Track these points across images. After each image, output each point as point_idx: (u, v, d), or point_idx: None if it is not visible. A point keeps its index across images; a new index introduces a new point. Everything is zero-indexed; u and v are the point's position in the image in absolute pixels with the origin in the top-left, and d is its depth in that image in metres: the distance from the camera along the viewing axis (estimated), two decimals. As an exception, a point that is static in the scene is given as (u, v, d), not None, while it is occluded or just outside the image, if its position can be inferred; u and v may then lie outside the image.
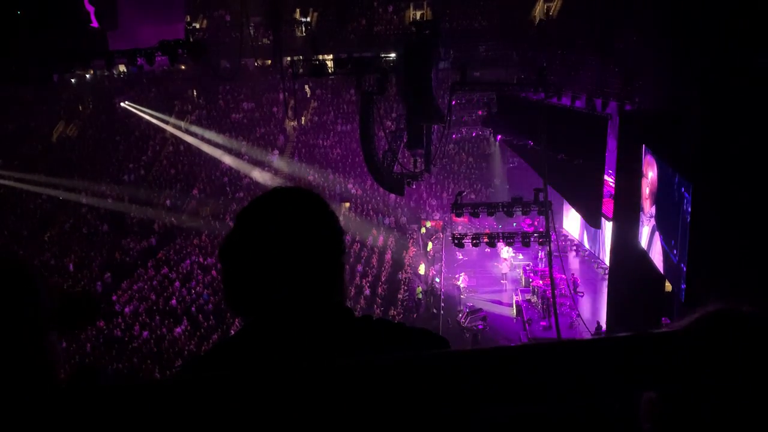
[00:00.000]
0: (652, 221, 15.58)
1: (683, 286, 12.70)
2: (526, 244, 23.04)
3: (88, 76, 39.70)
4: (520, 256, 27.28)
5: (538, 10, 36.61)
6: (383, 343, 1.29)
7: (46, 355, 1.07)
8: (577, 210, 25.36)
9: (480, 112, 32.91)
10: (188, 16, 39.47)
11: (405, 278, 26.41)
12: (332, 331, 1.27)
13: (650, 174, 15.52)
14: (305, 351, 1.21)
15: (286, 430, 0.79)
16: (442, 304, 25.14)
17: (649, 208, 15.97)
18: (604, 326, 21.36)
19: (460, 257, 28.28)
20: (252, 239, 1.28)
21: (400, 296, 24.82)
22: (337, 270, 1.33)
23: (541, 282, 24.84)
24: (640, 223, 16.83)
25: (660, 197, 14.75)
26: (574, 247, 29.68)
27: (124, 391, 0.80)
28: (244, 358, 1.22)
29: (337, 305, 1.33)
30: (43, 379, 1.06)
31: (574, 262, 28.74)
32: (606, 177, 21.36)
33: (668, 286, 15.49)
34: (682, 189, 12.47)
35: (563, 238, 29.27)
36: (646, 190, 16.05)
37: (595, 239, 27.99)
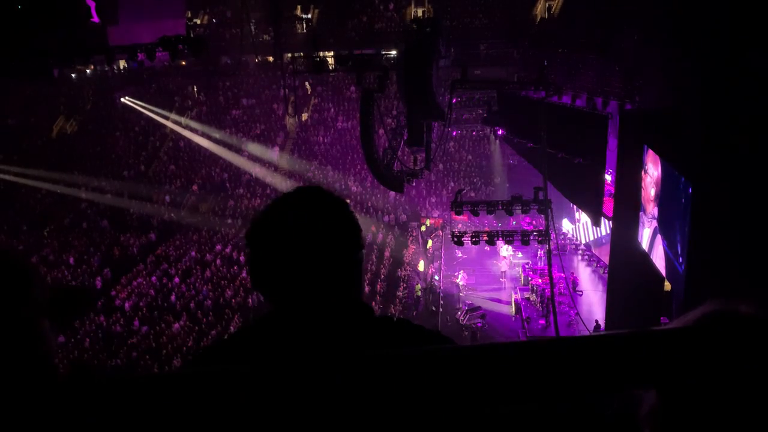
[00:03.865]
0: (654, 222, 15.42)
1: (683, 287, 12.64)
2: (525, 242, 23.05)
3: (88, 71, 39.64)
4: (520, 255, 27.29)
5: (540, 9, 36.56)
6: (402, 342, 1.32)
7: (40, 343, 1.08)
8: (579, 208, 25.32)
9: (480, 111, 32.88)
10: (189, 12, 39.47)
11: (404, 276, 26.40)
12: (353, 327, 1.30)
13: (654, 172, 15.33)
14: (326, 344, 1.22)
15: (301, 421, 0.79)
16: (441, 302, 25.13)
17: (651, 209, 15.78)
18: (603, 325, 21.36)
19: (460, 255, 28.28)
20: (282, 236, 1.29)
21: (399, 294, 24.81)
22: (357, 267, 1.40)
23: (540, 280, 24.85)
24: (641, 223, 16.74)
25: (664, 198, 14.59)
26: (574, 246, 29.68)
27: (130, 383, 0.80)
28: (264, 349, 1.23)
29: (357, 301, 1.37)
30: (40, 367, 1.06)
31: (573, 261, 28.73)
32: (606, 176, 21.33)
33: (667, 286, 15.45)
34: (689, 190, 12.33)
35: (563, 236, 29.27)
36: (651, 191, 15.80)
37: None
